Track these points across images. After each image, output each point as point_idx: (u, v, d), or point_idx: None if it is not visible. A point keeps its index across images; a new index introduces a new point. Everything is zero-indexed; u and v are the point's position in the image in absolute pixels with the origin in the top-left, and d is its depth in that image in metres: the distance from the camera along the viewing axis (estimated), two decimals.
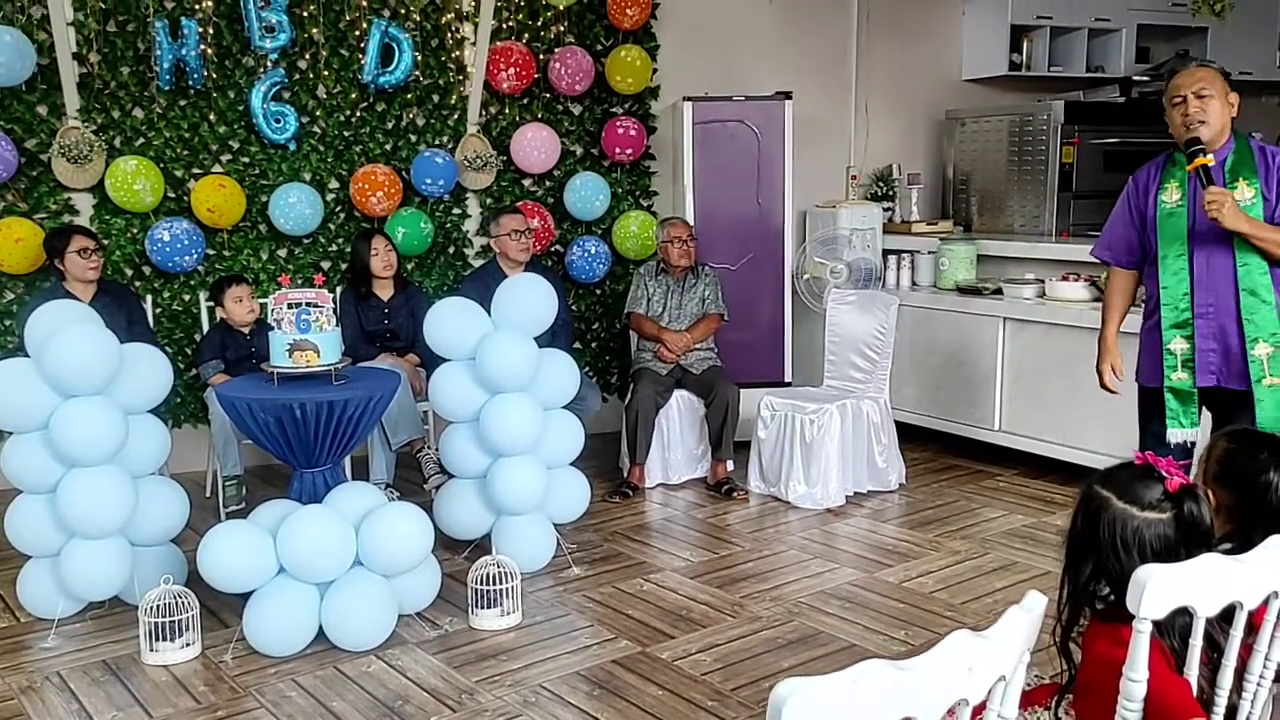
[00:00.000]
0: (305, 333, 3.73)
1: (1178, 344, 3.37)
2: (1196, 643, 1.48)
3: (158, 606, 3.32)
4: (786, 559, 4.25)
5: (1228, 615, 1.57)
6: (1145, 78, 6.85)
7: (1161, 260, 3.38)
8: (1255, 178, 3.26)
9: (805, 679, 1.09)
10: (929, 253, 5.94)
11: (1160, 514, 1.66)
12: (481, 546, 4.05)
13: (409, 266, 5.63)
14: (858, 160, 6.68)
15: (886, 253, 6.12)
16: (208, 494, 4.98)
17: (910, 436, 5.71)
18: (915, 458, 5.56)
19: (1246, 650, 1.59)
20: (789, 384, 5.76)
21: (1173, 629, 1.54)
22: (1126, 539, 1.65)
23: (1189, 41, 7.16)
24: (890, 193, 6.58)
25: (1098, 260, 3.77)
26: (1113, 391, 3.66)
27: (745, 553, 4.33)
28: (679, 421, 5.21)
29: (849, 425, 4.91)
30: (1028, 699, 1.93)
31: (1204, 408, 3.46)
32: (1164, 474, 1.68)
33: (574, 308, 6.03)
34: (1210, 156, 3.25)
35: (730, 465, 5.17)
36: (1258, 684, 1.59)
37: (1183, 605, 1.43)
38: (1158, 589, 1.40)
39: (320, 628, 3.40)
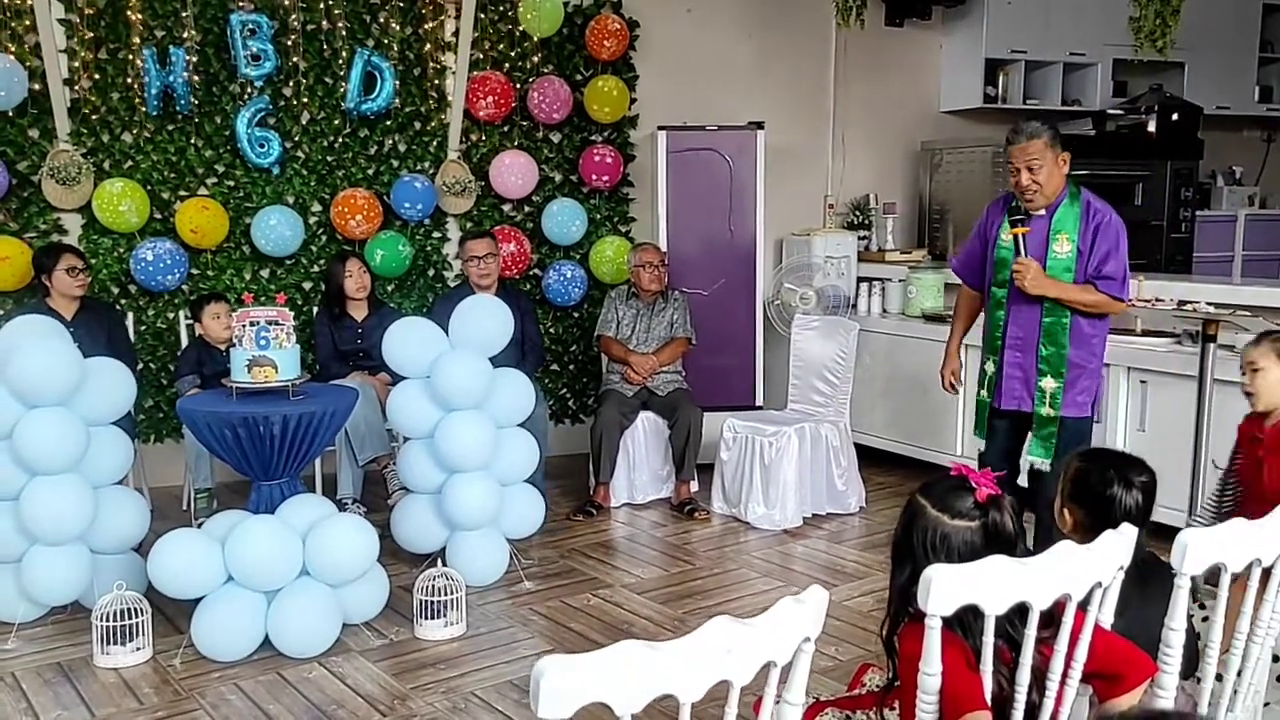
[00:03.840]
0: (264, 349, 3.87)
1: (988, 365, 3.86)
2: (988, 640, 1.57)
3: (110, 612, 3.45)
4: (735, 577, 4.34)
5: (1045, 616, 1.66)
6: (1120, 111, 6.95)
7: (991, 290, 3.83)
8: (1075, 233, 3.63)
9: (564, 656, 1.19)
10: (899, 281, 6.05)
11: (968, 522, 1.76)
12: (438, 560, 4.15)
13: (388, 288, 5.79)
14: (835, 189, 6.80)
15: (860, 280, 6.22)
16: (184, 507, 5.10)
17: (876, 460, 5.80)
18: (880, 481, 5.64)
19: (1050, 650, 1.68)
20: (760, 407, 5.86)
21: (973, 629, 1.63)
22: (936, 544, 1.75)
23: (1165, 76, 7.26)
24: (867, 222, 6.69)
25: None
26: (954, 393, 4.28)
27: (697, 571, 4.42)
28: (644, 443, 5.32)
29: (807, 448, 5.01)
30: (875, 699, 2.02)
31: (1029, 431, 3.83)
32: (974, 485, 1.78)
33: (551, 330, 6.16)
34: (1025, 227, 3.64)
35: (694, 486, 5.26)
36: (1061, 684, 1.68)
37: (971, 603, 1.53)
38: (943, 587, 1.49)
39: (267, 635, 3.51)
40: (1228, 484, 3.10)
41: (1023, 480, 3.78)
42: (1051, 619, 1.66)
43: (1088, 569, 1.65)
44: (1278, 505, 2.37)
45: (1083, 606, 1.67)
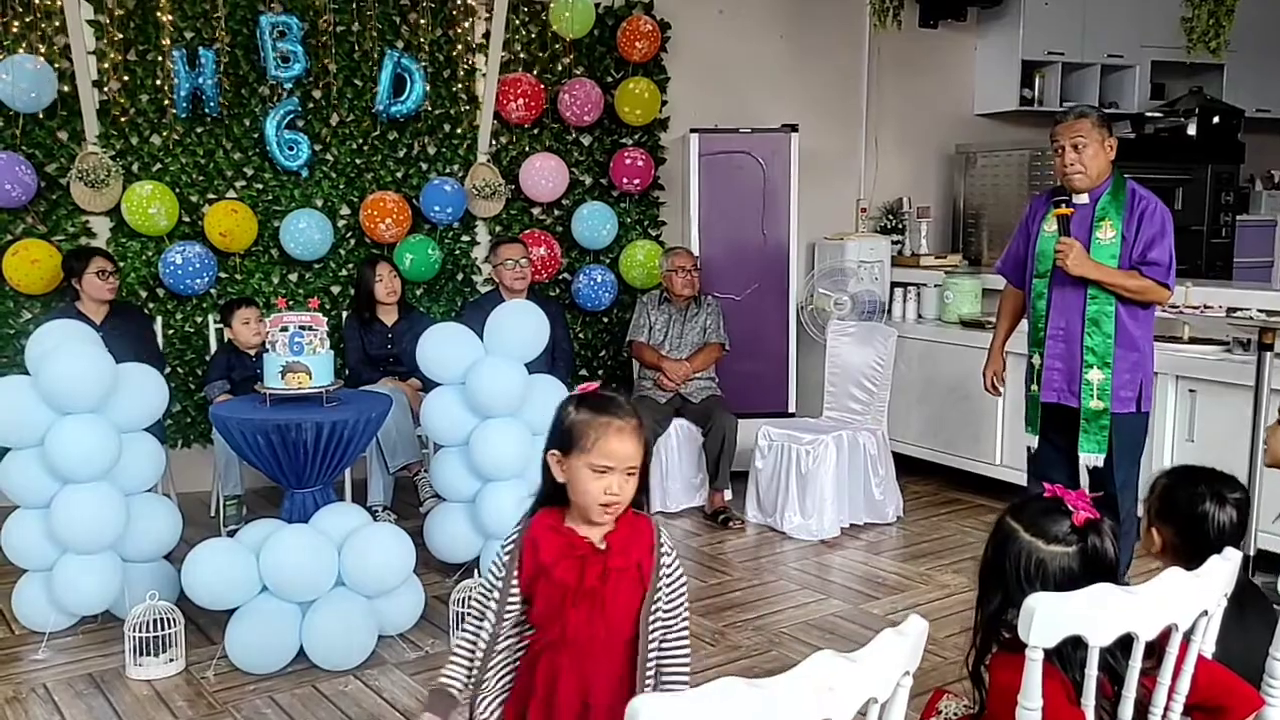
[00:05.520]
0: (298, 355, 3.80)
1: (1034, 359, 3.78)
2: (1091, 673, 1.49)
3: (143, 622, 3.39)
4: (775, 589, 4.25)
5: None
6: (1159, 114, 6.84)
7: (1033, 282, 3.76)
8: (1120, 219, 3.57)
9: (662, 695, 1.11)
10: (935, 286, 5.95)
11: (1065, 547, 1.67)
12: (473, 571, 4.08)
13: (417, 292, 5.72)
14: (868, 193, 6.70)
15: (894, 285, 6.13)
16: (212, 513, 5.05)
17: (913, 469, 5.70)
18: (917, 491, 5.54)
19: (1152, 682, 1.59)
20: (793, 415, 5.77)
21: (1073, 661, 1.54)
22: (1031, 570, 1.66)
23: (1205, 78, 7.13)
24: (900, 226, 6.59)
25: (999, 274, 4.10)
26: (996, 394, 4.17)
27: (734, 582, 4.33)
28: (677, 450, 5.23)
29: (845, 457, 4.91)
30: None
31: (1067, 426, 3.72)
32: (1071, 508, 1.69)
33: (580, 335, 6.09)
34: (1070, 208, 3.58)
35: (728, 495, 5.17)
36: (1162, 717, 1.59)
37: (1074, 634, 1.44)
38: (1047, 617, 1.40)
39: (301, 646, 3.44)
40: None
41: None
42: (1152, 649, 1.57)
43: (1194, 597, 1.56)
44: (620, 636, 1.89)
45: (1187, 636, 1.58)
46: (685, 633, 1.97)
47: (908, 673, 1.32)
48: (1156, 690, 1.57)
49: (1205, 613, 1.58)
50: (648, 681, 1.90)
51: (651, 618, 1.90)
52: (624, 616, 1.90)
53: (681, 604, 1.96)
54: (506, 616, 1.96)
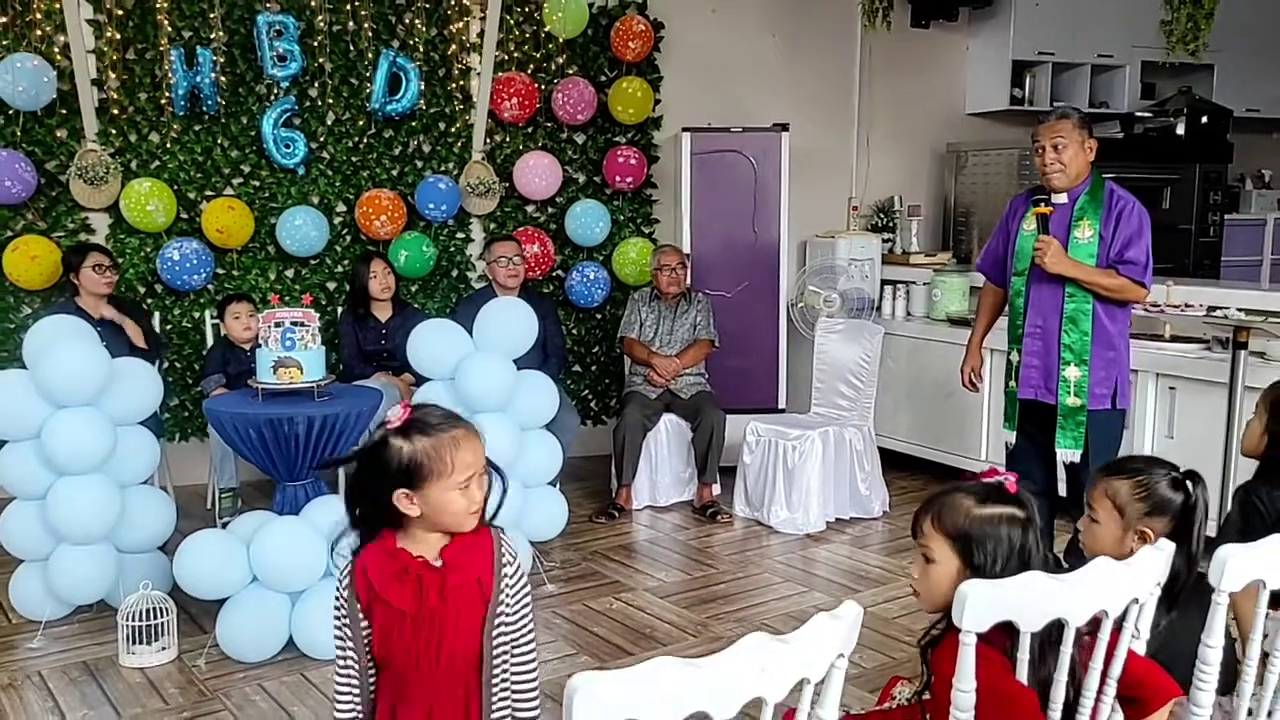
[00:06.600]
0: (290, 350, 3.87)
1: (1012, 356, 3.85)
2: (1023, 656, 1.55)
3: (136, 611, 3.47)
4: (759, 582, 4.32)
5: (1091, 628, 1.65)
6: (1148, 114, 6.89)
7: (1012, 280, 3.83)
8: (1097, 219, 3.64)
9: (597, 672, 1.18)
10: (924, 284, 6.01)
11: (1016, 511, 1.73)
12: None
13: (412, 289, 5.80)
14: (859, 191, 6.77)
15: (885, 283, 6.19)
16: (209, 506, 5.13)
17: (900, 465, 5.77)
18: (904, 486, 5.61)
19: (1089, 659, 1.65)
20: (782, 410, 5.84)
21: (1019, 643, 1.60)
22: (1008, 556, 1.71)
23: (1194, 78, 7.19)
24: (891, 224, 6.66)
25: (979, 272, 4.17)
26: (974, 390, 4.25)
27: (720, 575, 4.40)
28: (667, 445, 5.30)
29: (831, 452, 4.99)
30: (905, 714, 2.00)
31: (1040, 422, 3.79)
32: (1003, 477, 1.76)
33: (573, 332, 6.16)
34: (1049, 207, 3.66)
35: (717, 489, 5.25)
36: (1096, 700, 1.65)
37: (1005, 620, 1.51)
38: (979, 602, 1.47)
39: (291, 635, 3.52)
40: None
41: (1061, 488, 3.76)
42: (1098, 625, 1.63)
43: (1126, 585, 1.62)
44: None
45: (1120, 624, 1.65)
46: (531, 648, 1.91)
47: (842, 655, 1.39)
48: (1088, 676, 1.64)
49: (1136, 600, 1.65)
50: (496, 704, 1.87)
51: (495, 634, 1.85)
52: (468, 637, 1.85)
53: (525, 617, 1.89)
54: (366, 651, 1.88)
